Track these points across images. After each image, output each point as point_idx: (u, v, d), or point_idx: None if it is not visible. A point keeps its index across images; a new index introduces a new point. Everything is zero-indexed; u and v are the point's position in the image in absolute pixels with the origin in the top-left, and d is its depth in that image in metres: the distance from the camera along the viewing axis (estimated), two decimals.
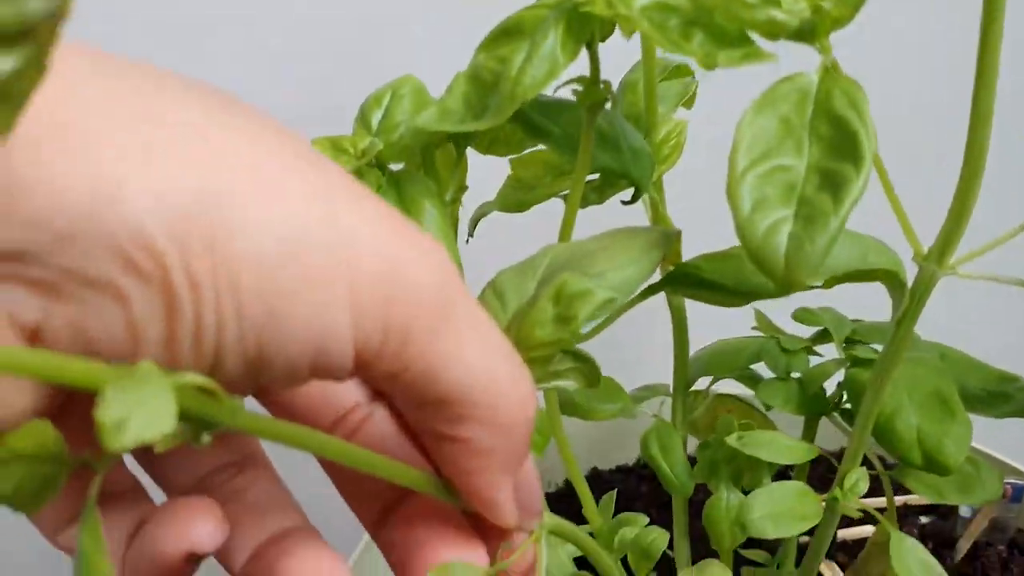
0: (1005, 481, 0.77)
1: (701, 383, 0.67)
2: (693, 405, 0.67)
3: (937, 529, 0.82)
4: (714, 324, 0.68)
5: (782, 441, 0.56)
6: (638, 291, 0.59)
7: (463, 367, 0.28)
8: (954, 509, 0.87)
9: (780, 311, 0.67)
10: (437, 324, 0.28)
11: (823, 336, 0.63)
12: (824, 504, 0.54)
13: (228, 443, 0.35)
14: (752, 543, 0.83)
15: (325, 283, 0.25)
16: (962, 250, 0.49)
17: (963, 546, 0.81)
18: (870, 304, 0.66)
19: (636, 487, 0.88)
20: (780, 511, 0.51)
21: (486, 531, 0.35)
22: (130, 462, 0.35)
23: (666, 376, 0.70)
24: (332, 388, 0.34)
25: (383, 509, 0.36)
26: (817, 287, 0.53)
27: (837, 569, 0.77)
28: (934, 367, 0.58)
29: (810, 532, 0.81)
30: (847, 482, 0.55)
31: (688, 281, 0.49)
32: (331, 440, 0.29)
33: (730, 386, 0.70)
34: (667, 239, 0.49)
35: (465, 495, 0.33)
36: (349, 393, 0.34)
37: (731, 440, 0.55)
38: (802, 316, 0.64)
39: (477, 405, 0.29)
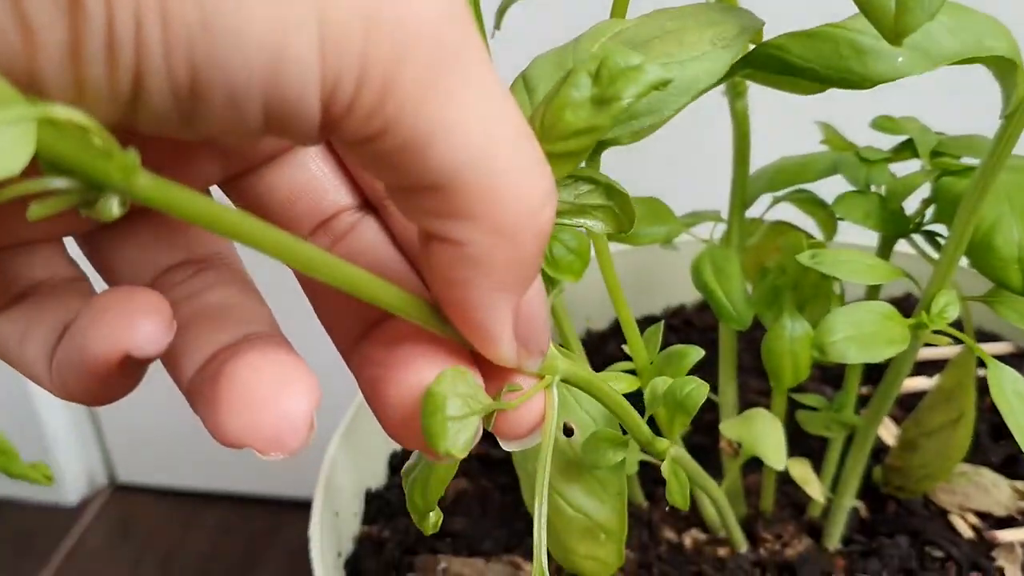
0: None
1: (754, 211, 0.60)
2: (748, 232, 0.60)
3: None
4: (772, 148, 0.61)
5: (863, 259, 0.49)
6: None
7: (459, 140, 0.22)
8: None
9: (854, 125, 0.60)
10: (431, 75, 0.21)
11: (904, 150, 0.56)
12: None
13: (186, 236, 0.29)
14: (799, 388, 0.77)
15: None
16: None
17: None
18: (952, 122, 0.58)
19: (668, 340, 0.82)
20: (864, 334, 0.45)
21: (484, 373, 0.29)
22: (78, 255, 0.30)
23: (714, 204, 0.64)
24: (314, 187, 0.29)
25: (364, 330, 0.30)
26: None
27: (891, 425, 0.71)
28: None
29: (872, 379, 0.76)
30: (935, 305, 0.48)
31: (771, 63, 0.41)
32: (294, 241, 0.22)
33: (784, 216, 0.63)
34: (754, 24, 0.41)
35: (454, 318, 0.26)
36: (335, 196, 0.30)
37: (803, 258, 0.48)
38: (883, 124, 0.56)
39: (473, 195, 0.22)
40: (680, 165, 0.89)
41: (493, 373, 0.29)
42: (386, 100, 0.21)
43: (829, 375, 0.80)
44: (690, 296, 0.91)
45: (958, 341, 0.49)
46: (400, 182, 0.23)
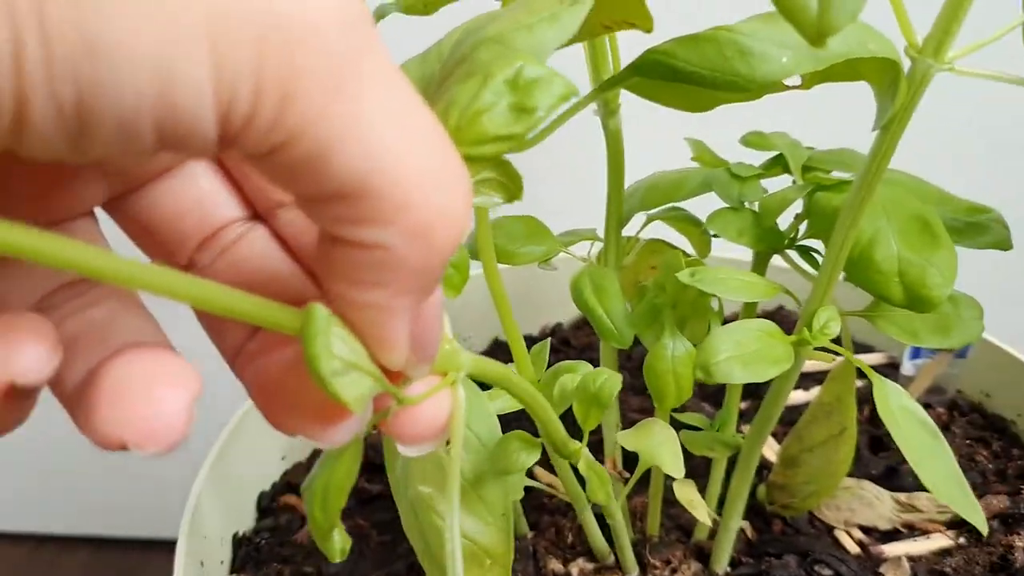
0: None
1: (629, 228, 0.59)
2: (625, 250, 0.58)
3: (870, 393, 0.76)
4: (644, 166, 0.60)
5: (740, 277, 0.47)
6: (593, 88, 0.50)
7: (364, 147, 0.21)
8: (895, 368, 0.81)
9: (724, 143, 0.59)
10: (330, 84, 0.20)
11: (774, 165, 0.55)
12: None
13: None
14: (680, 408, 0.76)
15: (168, 5, 0.18)
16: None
17: None
18: (819, 138, 0.58)
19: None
20: (748, 353, 0.43)
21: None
22: None
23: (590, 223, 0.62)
24: (202, 202, 0.29)
25: (249, 335, 0.29)
26: (797, 87, 0.45)
27: (772, 441, 0.71)
28: (911, 188, 0.51)
29: (752, 393, 0.76)
30: (817, 322, 0.47)
31: (657, 69, 0.40)
32: (165, 273, 0.21)
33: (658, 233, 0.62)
34: None
35: (351, 320, 0.25)
36: (224, 209, 0.29)
37: (683, 276, 0.47)
38: (753, 140, 0.55)
39: (385, 200, 0.22)
40: (553, 184, 0.88)
41: (389, 376, 0.28)
42: (286, 112, 0.20)
43: (708, 392, 0.79)
44: (566, 315, 0.90)
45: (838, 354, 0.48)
46: (307, 192, 0.22)
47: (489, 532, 0.44)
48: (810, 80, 0.46)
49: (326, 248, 0.24)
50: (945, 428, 0.74)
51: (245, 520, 0.68)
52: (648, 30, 0.41)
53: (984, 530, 0.43)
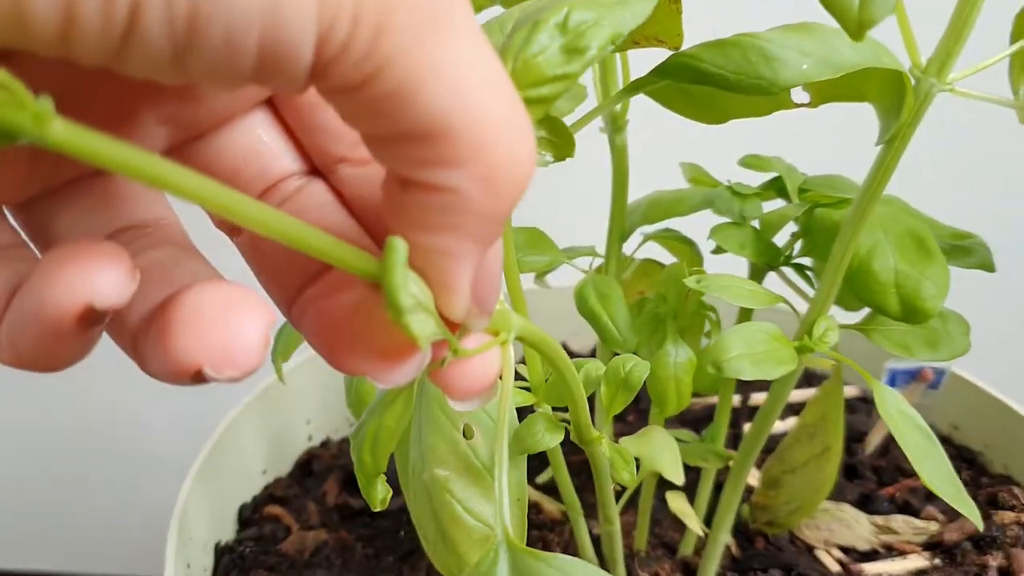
0: (927, 365, 0.74)
1: (625, 248, 0.60)
2: (623, 266, 0.60)
3: (846, 422, 0.78)
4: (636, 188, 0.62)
5: (744, 285, 0.49)
6: (619, 89, 0.52)
7: (449, 87, 0.21)
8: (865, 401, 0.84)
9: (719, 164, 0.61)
10: (423, 21, 0.21)
11: (769, 188, 0.57)
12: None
13: (126, 201, 0.28)
14: (680, 419, 0.78)
15: None
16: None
17: (874, 439, 0.77)
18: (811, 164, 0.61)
19: None
20: (757, 352, 0.45)
21: None
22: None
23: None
24: (261, 153, 0.29)
25: (305, 282, 0.29)
26: (804, 105, 0.47)
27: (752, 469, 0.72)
28: (903, 207, 0.53)
29: (732, 423, 0.77)
30: (816, 330, 0.49)
31: (684, 72, 0.42)
32: (231, 193, 0.21)
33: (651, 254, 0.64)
34: None
35: (418, 265, 0.25)
36: (282, 161, 0.29)
37: (689, 281, 0.48)
38: (751, 162, 0.57)
39: (462, 142, 0.22)
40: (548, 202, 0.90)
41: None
42: (379, 43, 0.20)
43: (687, 418, 0.80)
44: (559, 336, 0.91)
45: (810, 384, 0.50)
46: (386, 131, 0.22)
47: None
48: (817, 98, 0.48)
49: (394, 192, 0.24)
50: None
51: (226, 530, 0.68)
52: (677, 47, 0.42)
53: (979, 525, 0.45)
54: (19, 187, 0.26)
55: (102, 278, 0.21)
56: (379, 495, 0.33)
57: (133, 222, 0.28)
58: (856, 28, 0.31)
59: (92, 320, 0.22)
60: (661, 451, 0.48)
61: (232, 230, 0.30)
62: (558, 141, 0.32)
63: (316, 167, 0.30)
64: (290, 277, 0.29)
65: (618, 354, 0.55)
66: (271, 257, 0.29)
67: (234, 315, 0.23)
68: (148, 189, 0.29)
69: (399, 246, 0.24)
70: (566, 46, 0.29)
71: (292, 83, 0.21)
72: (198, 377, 0.22)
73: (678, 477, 0.45)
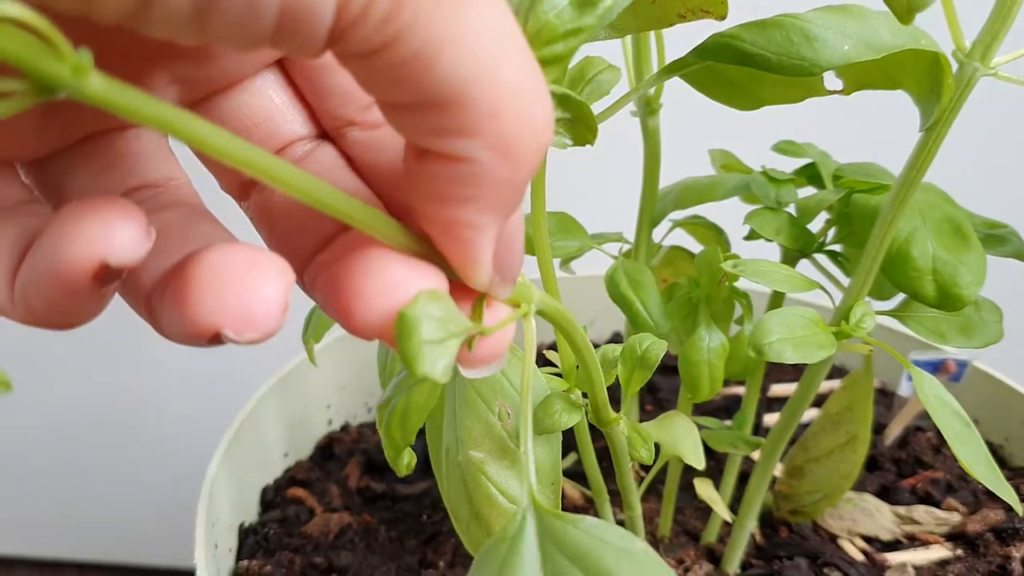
0: (949, 357, 0.73)
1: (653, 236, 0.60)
2: (652, 252, 0.60)
3: None
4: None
5: (779, 270, 0.49)
6: (653, 72, 0.51)
7: (469, 52, 0.21)
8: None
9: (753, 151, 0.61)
10: None
11: (800, 175, 0.57)
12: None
13: (138, 160, 0.28)
14: (700, 410, 0.77)
15: None
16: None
17: (894, 430, 0.77)
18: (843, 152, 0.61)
19: None
20: (797, 337, 0.45)
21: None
22: None
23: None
24: (272, 115, 0.29)
25: (319, 246, 0.28)
26: (838, 92, 0.47)
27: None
28: (941, 194, 0.53)
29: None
30: (853, 316, 0.48)
31: (725, 52, 0.41)
32: (255, 150, 0.21)
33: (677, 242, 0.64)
34: None
35: (438, 236, 0.25)
36: (293, 125, 0.29)
37: (726, 266, 0.48)
38: (785, 148, 0.57)
39: (481, 110, 0.22)
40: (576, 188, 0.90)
41: (459, 296, 0.27)
42: (400, 7, 0.20)
43: (708, 408, 0.81)
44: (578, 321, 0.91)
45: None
46: (403, 98, 0.22)
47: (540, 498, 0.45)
48: (850, 85, 0.48)
49: (413, 165, 0.24)
50: (937, 451, 0.76)
51: (249, 513, 0.68)
52: (723, 17, 0.42)
53: (1019, 508, 0.45)
54: (30, 144, 0.26)
55: (118, 234, 0.21)
56: (404, 462, 0.33)
57: (145, 181, 0.28)
58: (905, 12, 0.31)
59: (107, 277, 0.21)
60: (682, 436, 0.48)
61: (241, 194, 0.30)
62: (579, 125, 0.32)
63: (325, 131, 0.30)
64: (301, 242, 0.28)
65: None
66: (281, 221, 0.29)
67: (255, 276, 0.22)
68: (159, 149, 0.28)
69: (408, 318, 0.24)
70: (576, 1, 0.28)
71: (311, 46, 0.20)
72: (216, 339, 0.22)
73: (699, 462, 0.45)
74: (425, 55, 0.20)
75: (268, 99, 0.29)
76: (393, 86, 0.22)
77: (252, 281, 0.22)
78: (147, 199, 0.27)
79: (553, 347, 0.47)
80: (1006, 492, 0.44)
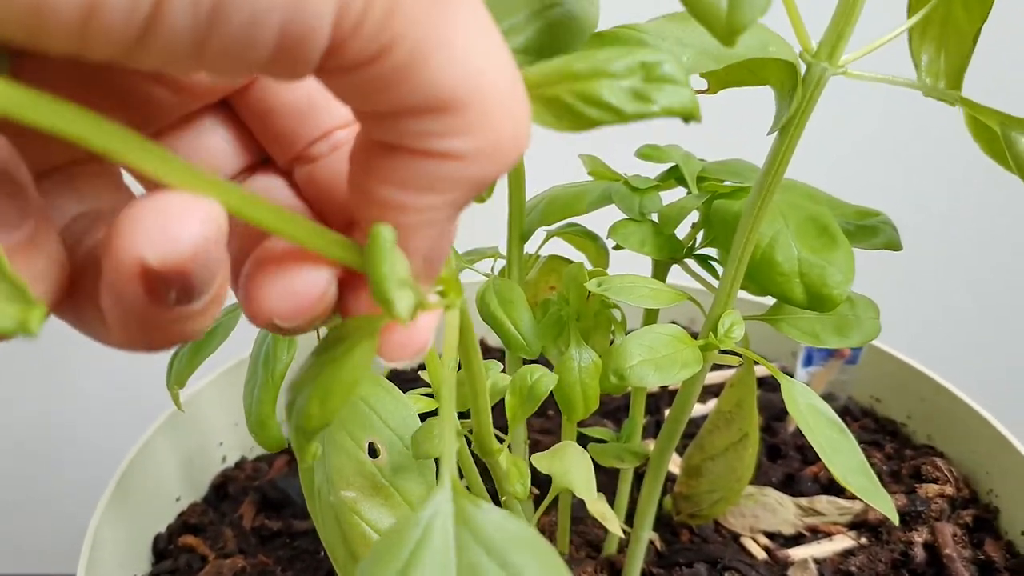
0: None
1: (528, 246, 0.59)
2: (526, 266, 0.58)
3: (767, 401, 0.77)
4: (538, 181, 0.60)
5: (646, 284, 0.48)
6: None
7: (459, 56, 0.22)
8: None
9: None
10: None
11: (668, 177, 0.56)
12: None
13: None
14: (602, 410, 0.76)
15: None
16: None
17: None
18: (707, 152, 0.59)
19: None
20: (660, 357, 0.43)
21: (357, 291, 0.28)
22: None
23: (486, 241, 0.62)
24: (214, 155, 0.29)
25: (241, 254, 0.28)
26: (702, 92, 0.46)
27: (674, 455, 0.71)
28: (803, 192, 0.52)
29: (649, 411, 0.76)
30: (722, 326, 0.47)
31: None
32: (169, 156, 0.20)
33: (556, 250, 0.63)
34: None
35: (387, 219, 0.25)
36: (234, 161, 0.30)
37: (590, 285, 0.47)
38: (648, 153, 0.56)
39: (466, 114, 0.22)
40: None
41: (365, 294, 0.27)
42: (392, 16, 0.20)
43: (608, 409, 0.79)
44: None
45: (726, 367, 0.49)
46: (392, 105, 0.22)
47: None
48: (715, 85, 0.47)
49: (373, 156, 0.24)
50: None
51: (141, 564, 0.65)
52: None
53: (895, 519, 0.44)
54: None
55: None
56: (312, 450, 0.31)
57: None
58: (726, 34, 0.30)
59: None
60: (575, 467, 0.47)
61: None
62: None
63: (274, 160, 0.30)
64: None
65: (527, 361, 0.54)
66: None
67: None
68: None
69: (385, 234, 0.24)
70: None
71: (305, 65, 0.21)
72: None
73: (590, 495, 0.44)
74: (415, 62, 0.21)
75: (217, 136, 0.29)
76: (379, 95, 0.22)
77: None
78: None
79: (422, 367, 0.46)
80: (882, 503, 0.43)
